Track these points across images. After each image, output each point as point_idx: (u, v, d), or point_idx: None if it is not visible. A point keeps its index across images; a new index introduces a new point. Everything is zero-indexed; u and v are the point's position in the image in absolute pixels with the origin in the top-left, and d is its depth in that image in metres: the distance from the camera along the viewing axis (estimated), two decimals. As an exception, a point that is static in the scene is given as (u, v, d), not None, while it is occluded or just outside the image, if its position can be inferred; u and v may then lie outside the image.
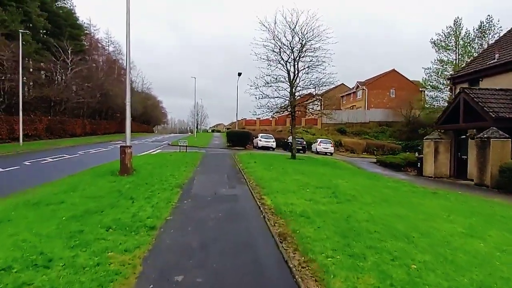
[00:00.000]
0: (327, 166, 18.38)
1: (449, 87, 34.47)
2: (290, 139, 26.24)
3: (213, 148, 28.52)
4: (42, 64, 36.99)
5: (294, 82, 19.81)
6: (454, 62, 37.33)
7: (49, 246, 4.36)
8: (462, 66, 28.24)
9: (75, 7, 48.75)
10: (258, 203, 7.61)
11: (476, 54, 29.42)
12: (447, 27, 38.15)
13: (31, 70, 35.13)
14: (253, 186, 9.89)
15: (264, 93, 20.24)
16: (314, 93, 21.77)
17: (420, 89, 46.04)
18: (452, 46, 37.77)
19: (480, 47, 35.39)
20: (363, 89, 52.06)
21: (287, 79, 19.94)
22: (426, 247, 4.95)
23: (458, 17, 38.56)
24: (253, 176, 11.71)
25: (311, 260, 4.29)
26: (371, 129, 45.88)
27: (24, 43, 27.63)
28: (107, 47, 61.42)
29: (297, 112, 21.96)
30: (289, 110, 20.85)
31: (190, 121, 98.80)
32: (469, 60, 29.51)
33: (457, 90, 18.74)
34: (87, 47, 49.40)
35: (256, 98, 20.37)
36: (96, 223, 5.47)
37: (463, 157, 17.49)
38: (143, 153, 21.32)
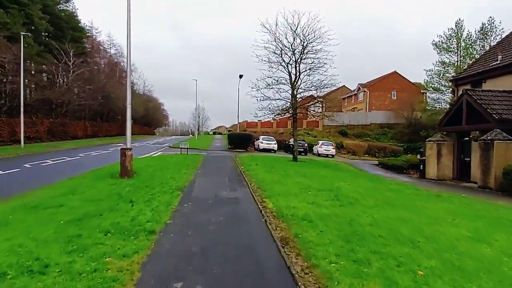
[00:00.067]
0: (328, 168, 18.26)
1: (451, 89, 34.37)
2: (291, 141, 26.14)
3: (214, 151, 28.43)
4: (44, 66, 37.06)
5: (296, 84, 19.73)
6: (455, 64, 37.19)
7: (46, 251, 4.26)
8: (464, 68, 28.14)
9: (77, 10, 48.94)
10: (259, 206, 7.51)
11: (478, 56, 29.28)
12: (448, 29, 38.09)
13: (33, 72, 35.21)
14: (254, 188, 9.78)
15: (265, 95, 20.20)
16: (315, 95, 21.68)
17: (422, 91, 45.87)
18: (453, 48, 37.65)
19: (482, 48, 35.24)
20: (364, 91, 51.92)
21: (288, 81, 19.88)
22: (432, 252, 4.83)
23: (459, 19, 38.31)
24: (254, 178, 11.60)
25: (314, 265, 4.18)
26: (372, 131, 45.71)
27: (26, 45, 27.69)
28: (109, 50, 61.55)
29: (299, 114, 21.88)
30: (290, 112, 20.77)
31: (191, 124, 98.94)
32: (471, 62, 29.39)
33: (459, 92, 18.62)
34: (88, 49, 49.51)
35: (257, 100, 20.32)
36: (95, 227, 5.37)
37: (466, 159, 17.33)
38: (144, 156, 21.25)
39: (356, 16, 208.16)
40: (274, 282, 3.88)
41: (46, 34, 39.36)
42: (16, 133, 26.52)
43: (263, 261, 4.47)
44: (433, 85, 39.00)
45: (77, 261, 4.02)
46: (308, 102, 22.82)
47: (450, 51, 37.77)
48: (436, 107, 39.02)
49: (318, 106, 25.57)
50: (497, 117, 14.48)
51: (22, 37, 24.78)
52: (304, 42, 19.09)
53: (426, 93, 43.68)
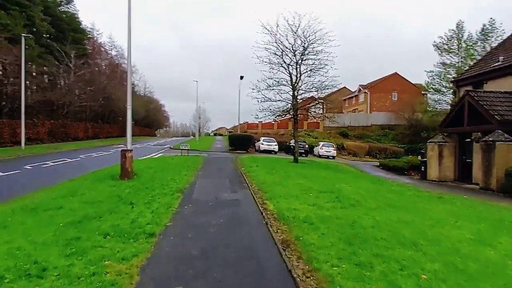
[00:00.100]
0: (329, 170, 18.20)
1: (452, 90, 34.28)
2: (292, 142, 26.08)
3: (215, 152, 28.39)
4: (45, 68, 37.15)
5: (297, 86, 19.69)
6: (456, 65, 37.10)
7: (44, 254, 4.21)
8: (465, 69, 28.03)
9: (78, 12, 48.84)
10: (260, 208, 7.45)
11: (479, 57, 29.19)
12: (449, 30, 38.06)
13: (34, 74, 35.29)
14: (255, 190, 9.73)
15: (266, 96, 20.14)
16: (316, 96, 21.63)
17: (423, 92, 45.77)
18: (454, 49, 37.57)
19: (482, 50, 35.15)
20: (365, 92, 51.88)
21: (289, 82, 19.84)
22: (435, 255, 4.77)
23: (460, 20, 38.19)
24: (255, 180, 11.55)
25: (316, 269, 4.12)
26: (373, 133, 45.63)
27: (27, 47, 27.73)
28: (110, 51, 61.58)
29: (299, 115, 21.83)
30: (291, 113, 20.72)
31: (192, 125, 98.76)
32: (472, 63, 29.30)
33: (461, 93, 18.57)
34: (90, 51, 49.58)
35: (258, 101, 20.27)
36: (94, 229, 5.33)
37: (467, 160, 17.25)
38: (144, 157, 21.22)
39: (356, 16, 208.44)
40: (275, 286, 3.82)
41: (48, 35, 39.43)
42: (17, 134, 26.52)
43: (264, 264, 4.41)
44: (434, 86, 38.91)
45: (75, 265, 3.97)
46: (309, 103, 22.77)
47: (451, 52, 37.71)
48: (437, 108, 38.91)
49: (319, 108, 25.52)
50: (499, 118, 14.41)
51: (23, 38, 24.83)
52: (305, 43, 19.08)
53: (427, 94, 43.58)
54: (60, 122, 36.39)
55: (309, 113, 22.84)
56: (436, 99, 39.53)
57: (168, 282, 3.77)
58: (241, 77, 37.09)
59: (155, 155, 23.90)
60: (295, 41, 19.20)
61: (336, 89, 22.83)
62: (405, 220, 6.75)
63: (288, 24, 19.19)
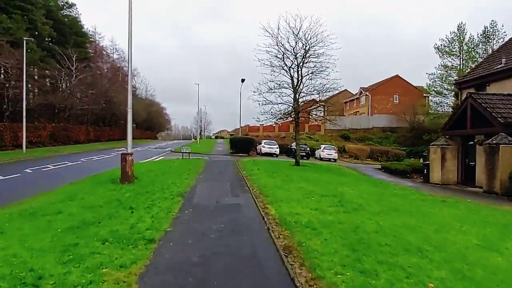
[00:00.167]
0: (331, 173, 18.06)
1: (453, 93, 34.20)
2: (293, 145, 25.97)
3: (216, 155, 28.30)
4: (47, 71, 37.27)
5: (298, 88, 19.61)
6: (458, 67, 37.02)
7: (41, 262, 4.12)
8: (467, 71, 27.96)
9: (80, 15, 49.23)
10: (261, 212, 7.34)
11: (481, 60, 29.12)
12: (450, 33, 37.99)
13: (36, 77, 35.40)
14: (256, 194, 9.62)
15: (267, 99, 20.05)
16: (317, 99, 21.55)
17: (424, 95, 45.69)
18: (456, 51, 37.51)
19: (484, 52, 35.09)
20: (366, 95, 51.80)
21: (290, 85, 19.76)
22: (441, 261, 4.64)
23: (461, 22, 38.37)
24: (256, 183, 11.45)
25: (319, 277, 4.01)
26: (375, 135, 45.49)
27: (29, 50, 27.87)
28: (112, 55, 61.89)
29: (301, 118, 21.73)
30: (292, 116, 20.62)
31: (193, 128, 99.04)
32: (473, 66, 29.21)
33: (463, 95, 18.45)
34: (91, 54, 49.79)
35: (259, 104, 20.19)
36: (92, 235, 5.23)
37: (470, 163, 17.09)
38: (145, 160, 21.16)
39: (356, 16, 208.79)
40: (277, 295, 3.71)
41: (49, 39, 39.64)
42: (19, 137, 26.53)
43: (266, 272, 4.30)
44: (435, 89, 38.84)
45: (72, 272, 3.87)
46: (310, 106, 22.69)
47: (452, 55, 37.65)
48: (438, 111, 38.81)
49: (320, 110, 25.44)
50: (502, 121, 14.27)
51: (24, 42, 24.90)
52: (306, 46, 19.01)
53: (428, 96, 43.49)
54: (62, 125, 36.44)
55: (310, 116, 22.76)
56: (438, 101, 39.50)
57: (167, 291, 3.66)
58: (243, 80, 37.10)
59: (156, 158, 23.83)
60: (296, 44, 19.16)
61: (337, 91, 22.72)
62: (410, 224, 6.63)
63: (289, 27, 19.18)
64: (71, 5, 46.39)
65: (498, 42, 33.81)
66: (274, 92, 19.84)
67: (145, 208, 7.19)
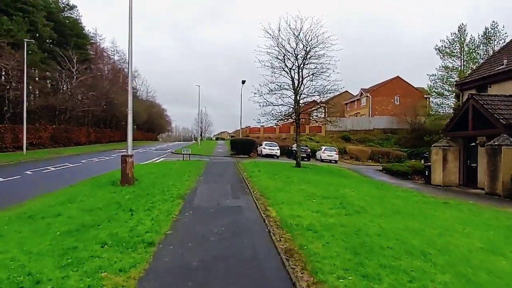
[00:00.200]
0: (332, 175, 18.00)
1: (454, 94, 34.11)
2: (294, 146, 25.92)
3: (217, 156, 28.25)
4: (47, 73, 37.32)
5: (299, 90, 19.58)
6: (459, 68, 36.94)
7: (39, 266, 4.06)
8: (468, 72, 27.88)
9: (81, 17, 49.44)
10: (262, 215, 7.28)
11: (482, 61, 29.05)
12: (451, 34, 37.91)
13: (36, 79, 35.44)
14: (257, 196, 9.56)
15: (268, 101, 20.05)
16: (318, 100, 21.52)
17: (425, 96, 45.58)
18: (456, 52, 37.43)
19: (485, 53, 35.02)
20: (367, 96, 51.75)
21: (291, 86, 19.74)
22: (445, 265, 4.57)
23: (462, 24, 38.18)
24: (257, 185, 11.39)
25: (321, 281, 3.94)
26: (375, 136, 45.39)
27: (30, 52, 27.88)
28: (113, 56, 62.01)
29: (302, 119, 21.69)
30: (293, 117, 20.59)
31: (194, 129, 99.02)
32: (474, 67, 29.15)
33: (465, 97, 18.38)
34: (92, 56, 49.85)
35: (260, 105, 20.18)
36: (92, 238, 5.17)
37: (472, 165, 17.01)
38: (146, 162, 21.11)
39: (355, 15, 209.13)
40: (278, 300, 3.65)
41: (50, 41, 39.71)
42: (19, 139, 26.50)
43: (267, 276, 4.24)
44: (436, 90, 38.74)
45: (71, 277, 3.82)
46: (311, 108, 22.66)
47: (453, 56, 37.57)
48: (439, 112, 38.72)
49: (321, 112, 25.41)
50: (504, 122, 14.20)
51: (25, 43, 24.93)
52: (307, 47, 19.00)
53: (429, 98, 43.39)
54: (63, 127, 36.44)
55: (311, 117, 22.71)
56: (439, 102, 39.41)
57: (167, 296, 3.60)
58: (243, 82, 37.09)
59: (157, 159, 23.80)
60: (297, 45, 19.16)
61: (338, 93, 22.68)
62: (412, 227, 6.56)
63: (290, 28, 19.18)
64: (72, 7, 46.54)
65: (499, 43, 33.77)
66: (274, 93, 19.86)
67: (145, 211, 7.13)
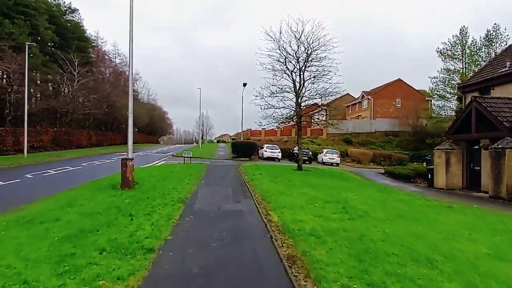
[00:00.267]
0: (334, 178, 17.86)
1: (456, 96, 33.97)
2: (295, 149, 25.80)
3: (218, 159, 28.16)
4: (49, 76, 37.39)
5: (300, 92, 19.51)
6: (461, 71, 36.83)
7: (35, 273, 3.96)
8: (470, 75, 27.79)
9: (83, 20, 49.52)
10: (264, 219, 7.16)
11: (483, 63, 28.97)
12: (453, 36, 37.89)
13: (38, 82, 35.48)
14: (258, 200, 9.45)
15: (269, 104, 19.97)
16: (319, 103, 21.43)
17: (427, 98, 45.43)
18: (458, 55, 37.35)
19: (487, 56, 34.91)
20: (368, 98, 51.63)
21: (292, 89, 19.67)
22: (452, 273, 4.44)
23: (464, 26, 38.06)
24: (258, 189, 11.28)
25: (325, 290, 3.82)
26: (377, 139, 45.21)
27: (31, 55, 27.91)
28: (114, 59, 62.09)
29: (303, 122, 21.59)
30: (294, 120, 20.49)
31: (195, 132, 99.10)
32: (476, 69, 29.04)
33: (467, 99, 18.26)
34: (94, 59, 49.93)
35: (261, 108, 20.11)
36: (90, 244, 5.07)
37: (476, 168, 16.86)
38: (146, 165, 21.03)
39: (356, 16, 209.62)
40: (281, 309, 3.53)
41: (52, 44, 39.82)
42: (20, 142, 26.49)
43: (269, 283, 4.12)
44: (438, 93, 38.62)
45: (67, 285, 3.72)
46: (313, 110, 22.57)
47: (455, 58, 37.48)
48: (441, 115, 38.56)
49: (323, 114, 25.32)
50: (508, 125, 14.07)
51: (26, 47, 24.98)
52: (308, 50, 18.94)
53: (431, 100, 43.26)
54: (64, 130, 36.44)
55: (312, 120, 22.61)
56: (441, 105, 39.28)
57: (166, 305, 3.49)
58: (244, 84, 37.03)
59: (158, 163, 23.71)
60: (298, 48, 19.10)
61: (339, 95, 22.58)
62: (417, 232, 6.43)
63: (291, 31, 19.14)
64: (74, 10, 46.69)
65: (501, 45, 33.68)
66: (276, 96, 19.78)
67: (145, 215, 7.03)
